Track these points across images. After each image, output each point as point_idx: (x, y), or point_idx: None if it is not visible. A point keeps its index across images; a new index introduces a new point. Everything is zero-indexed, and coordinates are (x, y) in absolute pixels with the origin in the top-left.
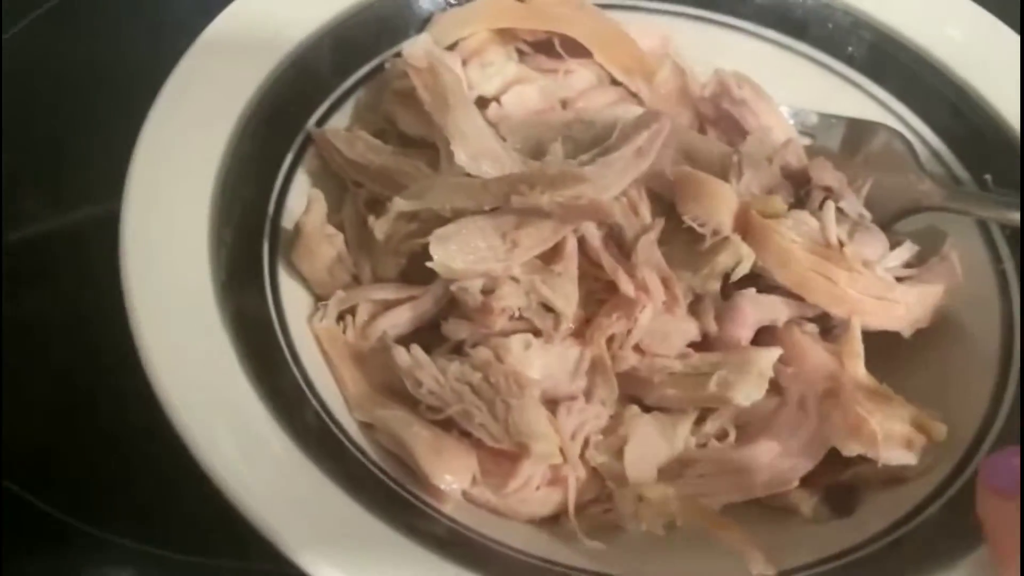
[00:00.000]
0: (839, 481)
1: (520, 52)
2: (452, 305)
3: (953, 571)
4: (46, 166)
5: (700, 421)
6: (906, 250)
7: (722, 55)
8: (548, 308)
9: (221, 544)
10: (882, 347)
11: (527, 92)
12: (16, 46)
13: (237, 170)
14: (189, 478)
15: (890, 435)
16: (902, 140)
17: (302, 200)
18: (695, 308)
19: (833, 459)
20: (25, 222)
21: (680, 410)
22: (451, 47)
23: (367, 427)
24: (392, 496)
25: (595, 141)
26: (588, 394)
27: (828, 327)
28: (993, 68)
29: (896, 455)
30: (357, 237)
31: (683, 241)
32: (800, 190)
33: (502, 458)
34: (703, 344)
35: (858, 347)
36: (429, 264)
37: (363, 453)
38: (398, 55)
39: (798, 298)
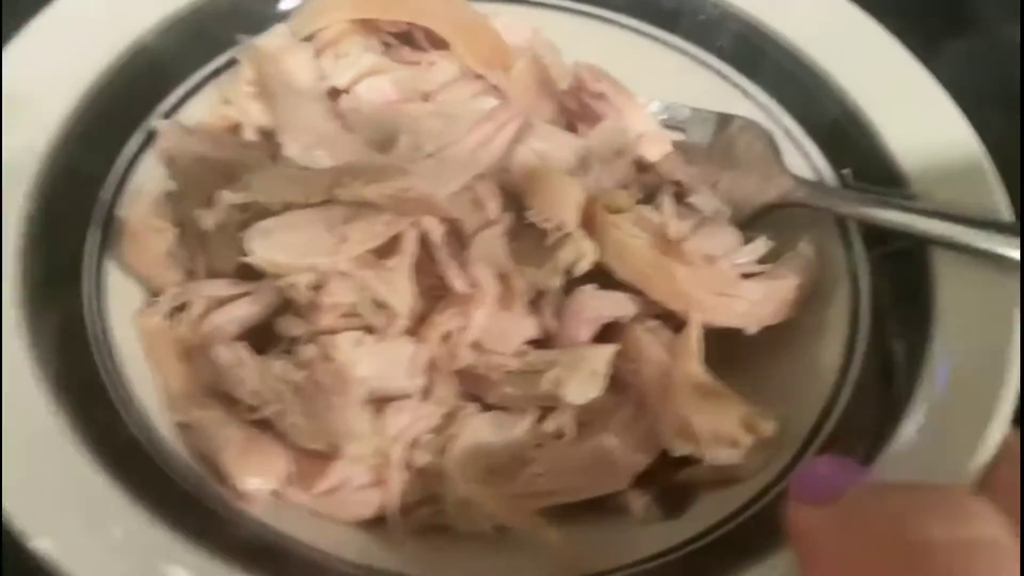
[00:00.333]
0: (674, 481)
1: (386, 44)
2: (289, 302)
3: (763, 565)
4: None
5: (543, 419)
6: (760, 246)
7: (595, 48)
8: (382, 305)
9: None
10: (740, 344)
11: (379, 83)
12: None
13: (66, 158)
14: None
15: (717, 434)
16: (765, 135)
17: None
18: (537, 305)
19: (671, 459)
20: None
21: (520, 408)
22: (308, 38)
23: (186, 428)
24: (188, 501)
25: (445, 134)
26: (427, 392)
27: (682, 324)
28: (852, 59)
29: (723, 454)
30: (195, 231)
31: (532, 237)
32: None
33: (319, 459)
34: (545, 341)
35: (692, 343)
36: (244, 259)
37: (168, 457)
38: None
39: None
